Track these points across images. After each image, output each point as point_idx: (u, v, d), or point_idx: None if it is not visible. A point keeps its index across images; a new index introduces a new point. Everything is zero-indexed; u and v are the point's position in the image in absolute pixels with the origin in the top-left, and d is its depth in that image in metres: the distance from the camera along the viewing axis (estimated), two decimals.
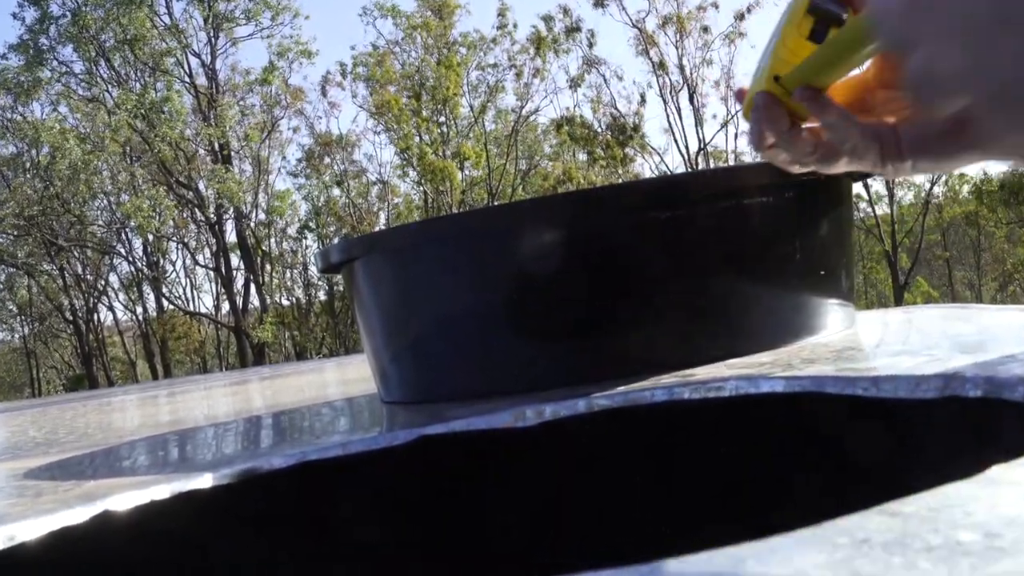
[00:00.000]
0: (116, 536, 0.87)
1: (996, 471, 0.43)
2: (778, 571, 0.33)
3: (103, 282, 25.32)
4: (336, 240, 23.97)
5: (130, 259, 24.91)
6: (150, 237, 23.64)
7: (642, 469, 1.04)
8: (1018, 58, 0.42)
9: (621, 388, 1.07)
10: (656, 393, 1.03)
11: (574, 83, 25.20)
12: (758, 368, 1.06)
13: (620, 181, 19.94)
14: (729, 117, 24.81)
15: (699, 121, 24.96)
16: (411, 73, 24.21)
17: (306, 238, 26.86)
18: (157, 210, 21.83)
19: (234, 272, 24.51)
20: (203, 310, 26.86)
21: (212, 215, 23.41)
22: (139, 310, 25.71)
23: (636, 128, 24.63)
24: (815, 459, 0.94)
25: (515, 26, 25.76)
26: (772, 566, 0.34)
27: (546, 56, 24.59)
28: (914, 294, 24.57)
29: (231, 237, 24.56)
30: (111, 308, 26.47)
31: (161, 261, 25.40)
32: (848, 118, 0.59)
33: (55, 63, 22.92)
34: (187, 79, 23.70)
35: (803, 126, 0.63)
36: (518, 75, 25.01)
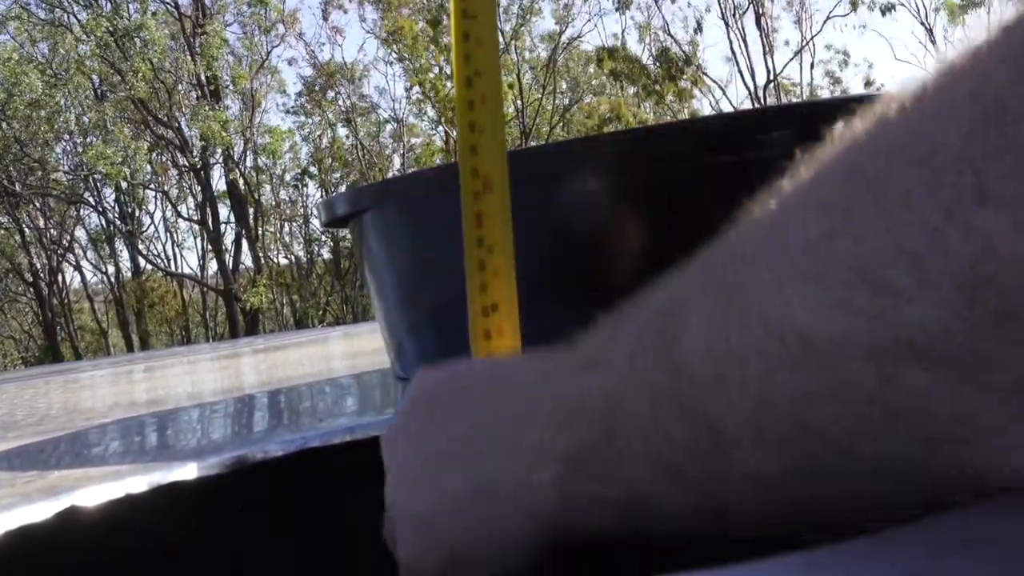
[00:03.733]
0: (85, 535, 0.88)
1: None
2: None
3: (68, 237, 25.40)
4: (342, 188, 23.98)
5: (100, 210, 25.00)
6: (123, 185, 23.69)
7: None
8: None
9: None
10: None
11: (622, 5, 25.09)
12: None
13: (676, 119, 19.78)
14: (804, 43, 24.66)
15: (768, 48, 24.81)
16: None
17: (307, 186, 26.91)
18: (128, 155, 21.85)
19: (223, 226, 24.56)
20: (186, 270, 26.94)
21: (196, 159, 23.45)
22: (111, 270, 25.71)
23: (688, 60, 24.51)
24: None
25: None
26: None
27: None
28: None
29: (219, 185, 24.62)
30: (78, 268, 26.43)
31: (137, 213, 25.41)
32: None
33: None
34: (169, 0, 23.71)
35: None
36: None
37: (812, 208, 0.34)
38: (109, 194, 24.75)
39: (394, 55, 24.74)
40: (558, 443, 0.44)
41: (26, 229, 24.07)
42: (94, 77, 22.59)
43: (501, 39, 24.43)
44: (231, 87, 24.42)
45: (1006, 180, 0.27)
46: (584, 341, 0.48)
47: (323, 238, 26.21)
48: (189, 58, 23.01)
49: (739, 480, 0.38)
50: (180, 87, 23.68)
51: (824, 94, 24.26)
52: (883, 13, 24.27)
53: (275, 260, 26.36)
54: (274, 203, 26.53)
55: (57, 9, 22.76)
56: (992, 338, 0.29)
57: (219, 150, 23.42)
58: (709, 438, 0.38)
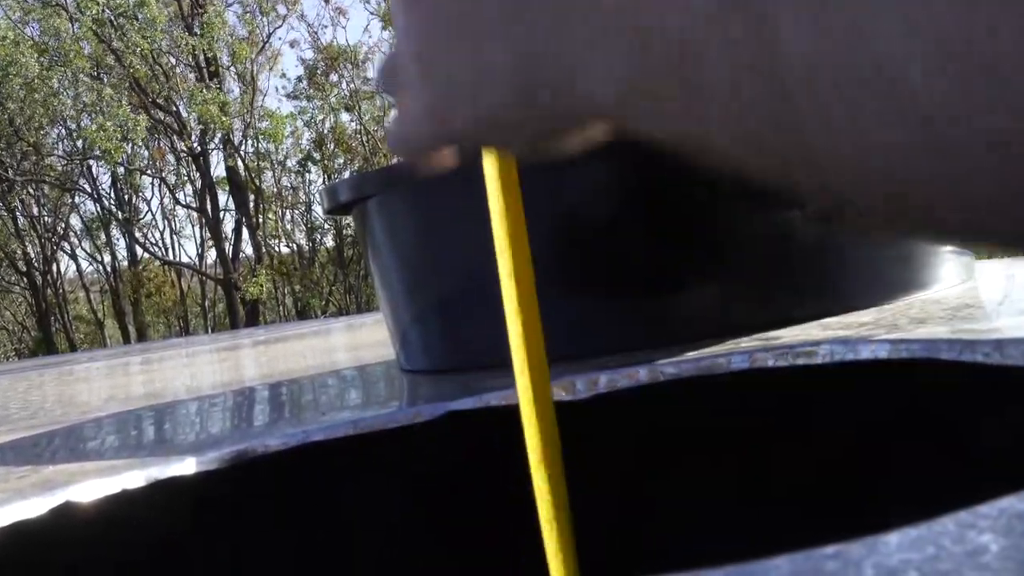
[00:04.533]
0: (80, 532, 0.88)
1: None
2: None
3: (63, 225, 25.45)
4: (346, 175, 23.96)
5: (95, 197, 24.99)
6: (120, 170, 23.68)
7: (716, 450, 1.04)
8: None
9: (691, 354, 1.06)
10: (734, 359, 1.02)
11: None
12: (857, 330, 1.05)
13: None
14: None
15: None
16: None
17: (309, 172, 26.89)
18: (126, 132, 21.83)
19: (222, 213, 24.57)
20: (185, 259, 26.97)
21: (195, 144, 23.44)
22: (107, 259, 25.78)
23: None
24: (925, 439, 0.93)
25: None
26: (866, 570, 0.34)
27: None
28: None
29: (218, 171, 24.60)
30: (73, 256, 26.50)
31: (134, 199, 25.46)
32: None
33: None
34: None
35: None
36: None
37: None
38: (105, 180, 24.78)
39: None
40: (621, 57, 0.41)
41: (19, 216, 24.09)
42: (91, 57, 22.55)
43: None
44: (231, 69, 24.41)
45: None
46: None
47: (326, 226, 26.20)
48: (187, 36, 22.98)
49: (832, 163, 0.37)
50: (178, 69, 23.68)
51: None
52: None
53: (276, 248, 26.38)
54: (275, 190, 26.52)
55: None
56: None
57: (218, 135, 23.40)
58: (795, 131, 0.36)
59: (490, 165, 0.66)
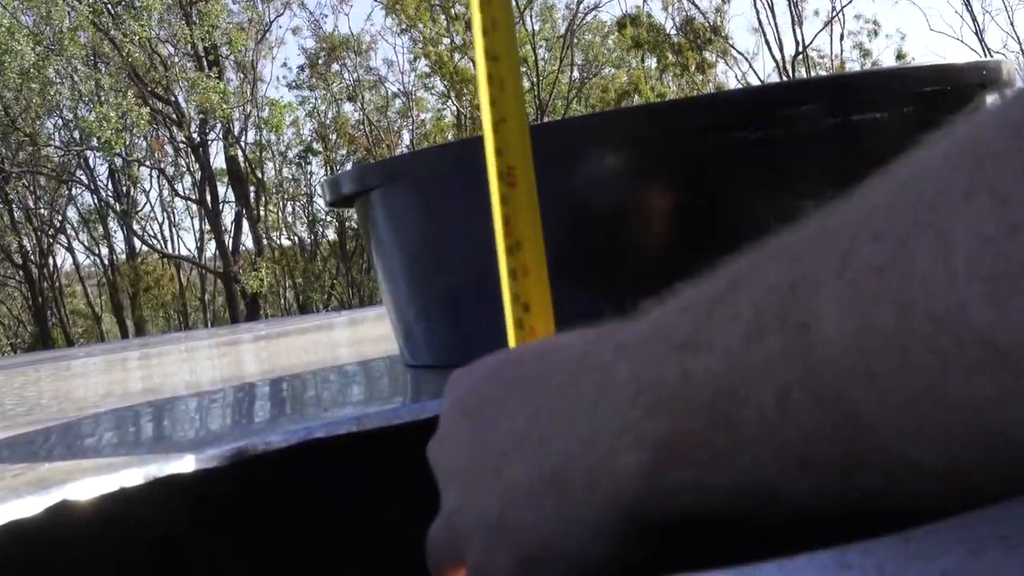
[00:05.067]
0: (77, 532, 0.88)
1: None
2: None
3: (60, 217, 25.47)
4: (348, 166, 23.98)
5: (93, 188, 25.01)
6: (117, 161, 23.70)
7: None
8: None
9: None
10: None
11: None
12: None
13: (698, 92, 19.78)
14: (835, 13, 24.61)
15: (797, 19, 24.77)
16: None
17: (310, 163, 26.92)
18: (127, 122, 21.85)
19: (222, 205, 24.59)
20: (184, 252, 26.98)
21: (194, 134, 23.46)
22: (104, 252, 25.79)
23: (716, 29, 24.50)
24: None
25: None
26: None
27: None
28: None
29: (218, 162, 24.61)
30: (70, 249, 26.48)
31: (131, 191, 25.45)
32: None
33: None
34: None
35: None
36: None
37: (983, 193, 0.31)
38: (102, 172, 24.81)
39: (402, 24, 24.74)
40: (648, 427, 0.42)
41: (15, 209, 24.11)
42: (87, 46, 22.58)
43: (515, 7, 24.47)
44: (231, 58, 24.43)
45: None
46: (660, 318, 0.46)
47: (328, 218, 26.25)
48: (185, 25, 23.00)
49: (888, 466, 0.37)
50: (176, 58, 23.69)
51: (852, 67, 24.22)
52: None
53: (277, 241, 26.42)
54: (276, 181, 26.55)
55: None
56: None
57: (218, 125, 23.42)
58: (855, 428, 0.36)
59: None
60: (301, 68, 26.38)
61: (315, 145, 26.48)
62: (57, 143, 24.26)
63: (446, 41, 24.28)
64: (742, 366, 0.39)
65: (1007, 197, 0.30)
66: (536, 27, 25.25)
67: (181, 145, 24.27)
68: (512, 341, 0.72)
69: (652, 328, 0.46)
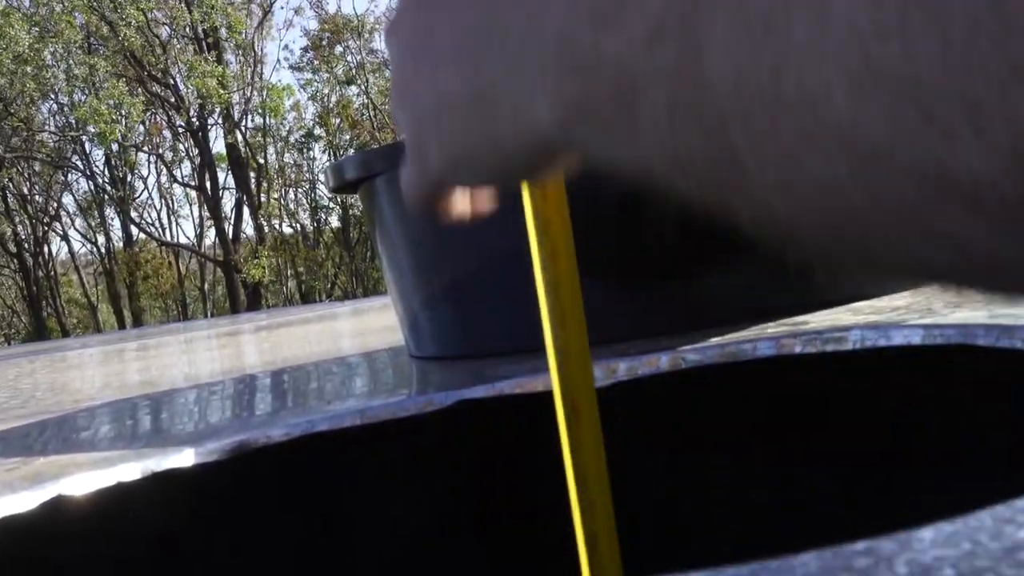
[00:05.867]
0: (73, 527, 0.88)
1: None
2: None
3: (55, 204, 25.48)
4: (351, 151, 23.98)
5: (89, 175, 25.02)
6: (114, 147, 23.71)
7: (741, 441, 1.03)
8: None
9: (715, 340, 1.06)
10: (759, 346, 1.02)
11: None
12: (889, 314, 1.05)
13: None
14: None
15: None
16: None
17: (312, 149, 26.91)
18: (121, 112, 21.85)
19: (222, 192, 24.58)
20: (183, 240, 26.98)
21: (193, 119, 23.45)
22: (101, 240, 25.81)
23: None
24: (959, 431, 0.93)
25: None
26: (899, 567, 0.33)
27: None
28: None
29: (217, 147, 24.59)
30: (65, 237, 26.52)
31: (129, 177, 25.45)
32: None
33: None
34: None
35: None
36: None
37: None
38: (99, 157, 24.80)
39: None
40: (564, 86, 0.43)
41: (9, 195, 24.12)
42: (83, 29, 22.58)
43: None
44: (231, 41, 24.41)
45: None
46: None
47: (331, 205, 26.23)
48: (184, 7, 23.00)
49: (754, 210, 0.38)
50: (175, 41, 23.68)
51: None
52: None
53: (279, 229, 26.40)
54: (278, 167, 26.53)
55: None
56: None
57: (217, 109, 23.41)
58: (731, 165, 0.37)
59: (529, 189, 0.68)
60: (304, 50, 26.39)
61: (317, 130, 26.48)
62: (52, 128, 24.28)
63: None
64: (641, 64, 0.39)
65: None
66: None
67: (180, 130, 24.28)
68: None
69: None
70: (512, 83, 0.47)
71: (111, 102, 21.63)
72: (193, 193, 25.63)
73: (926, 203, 0.31)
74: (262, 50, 24.78)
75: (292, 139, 26.77)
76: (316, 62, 25.93)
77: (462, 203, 0.59)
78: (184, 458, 0.94)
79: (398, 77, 0.57)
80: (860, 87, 0.31)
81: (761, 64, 0.34)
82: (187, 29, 23.59)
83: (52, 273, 25.48)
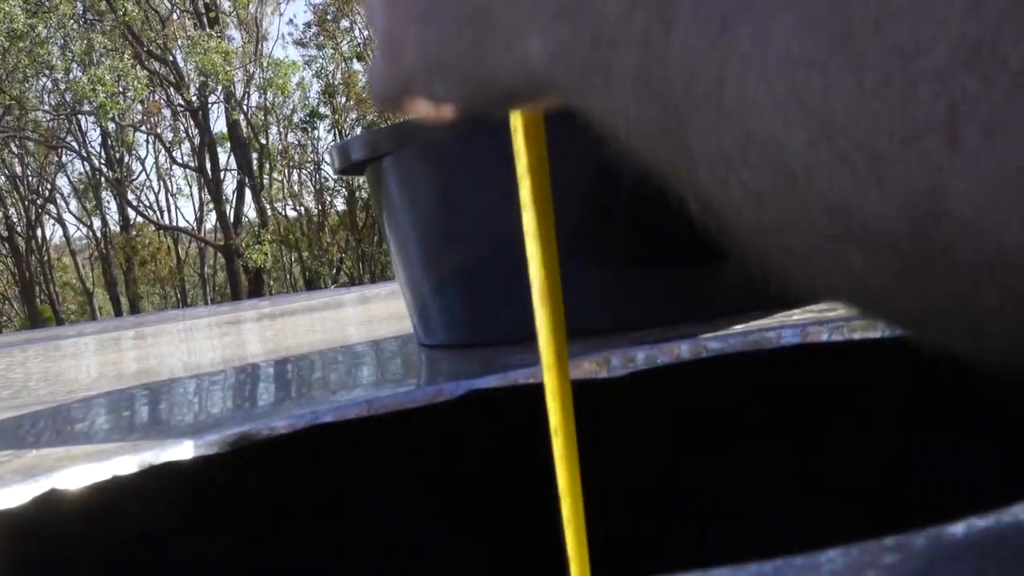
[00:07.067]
0: (67, 522, 0.88)
1: None
2: None
3: (49, 186, 25.51)
4: (358, 131, 23.96)
5: (84, 155, 25.02)
6: (111, 126, 23.72)
7: (764, 433, 1.04)
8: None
9: (738, 327, 1.06)
10: (784, 334, 1.02)
11: None
12: None
13: None
14: None
15: None
16: None
17: (318, 128, 26.89)
18: (123, 84, 21.86)
19: (223, 173, 24.59)
20: (182, 223, 27.00)
21: (194, 97, 23.45)
22: (96, 223, 25.84)
23: None
24: (988, 419, 0.93)
25: None
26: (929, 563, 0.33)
27: None
28: None
29: (218, 126, 24.58)
30: (60, 220, 26.56)
31: (126, 158, 25.47)
32: None
33: None
34: None
35: None
36: None
37: (793, 7, 0.33)
38: (95, 138, 24.85)
39: None
40: (553, 27, 0.44)
41: (1, 176, 24.15)
42: (79, 4, 22.60)
43: None
44: (234, 15, 24.41)
45: None
46: None
47: (337, 187, 26.21)
48: None
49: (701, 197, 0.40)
50: (175, 15, 23.68)
51: None
52: None
53: (282, 212, 26.39)
54: (281, 148, 26.52)
55: None
56: None
57: (219, 87, 23.41)
58: (679, 151, 0.39)
59: (515, 119, 0.67)
60: (308, 25, 26.37)
61: (322, 108, 26.46)
62: (47, 106, 24.28)
63: None
64: (620, 25, 0.40)
65: (815, 24, 0.31)
66: None
67: (179, 109, 24.27)
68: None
69: None
70: (510, 10, 0.47)
71: (116, 72, 21.64)
72: (193, 174, 25.64)
73: (833, 236, 0.33)
74: (267, 25, 24.66)
75: (296, 118, 26.77)
76: (322, 37, 25.91)
77: (426, 109, 0.58)
78: (183, 451, 0.94)
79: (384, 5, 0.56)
80: (785, 114, 0.32)
81: (710, 64, 0.35)
82: (187, 3, 23.60)
83: (46, 258, 25.50)
